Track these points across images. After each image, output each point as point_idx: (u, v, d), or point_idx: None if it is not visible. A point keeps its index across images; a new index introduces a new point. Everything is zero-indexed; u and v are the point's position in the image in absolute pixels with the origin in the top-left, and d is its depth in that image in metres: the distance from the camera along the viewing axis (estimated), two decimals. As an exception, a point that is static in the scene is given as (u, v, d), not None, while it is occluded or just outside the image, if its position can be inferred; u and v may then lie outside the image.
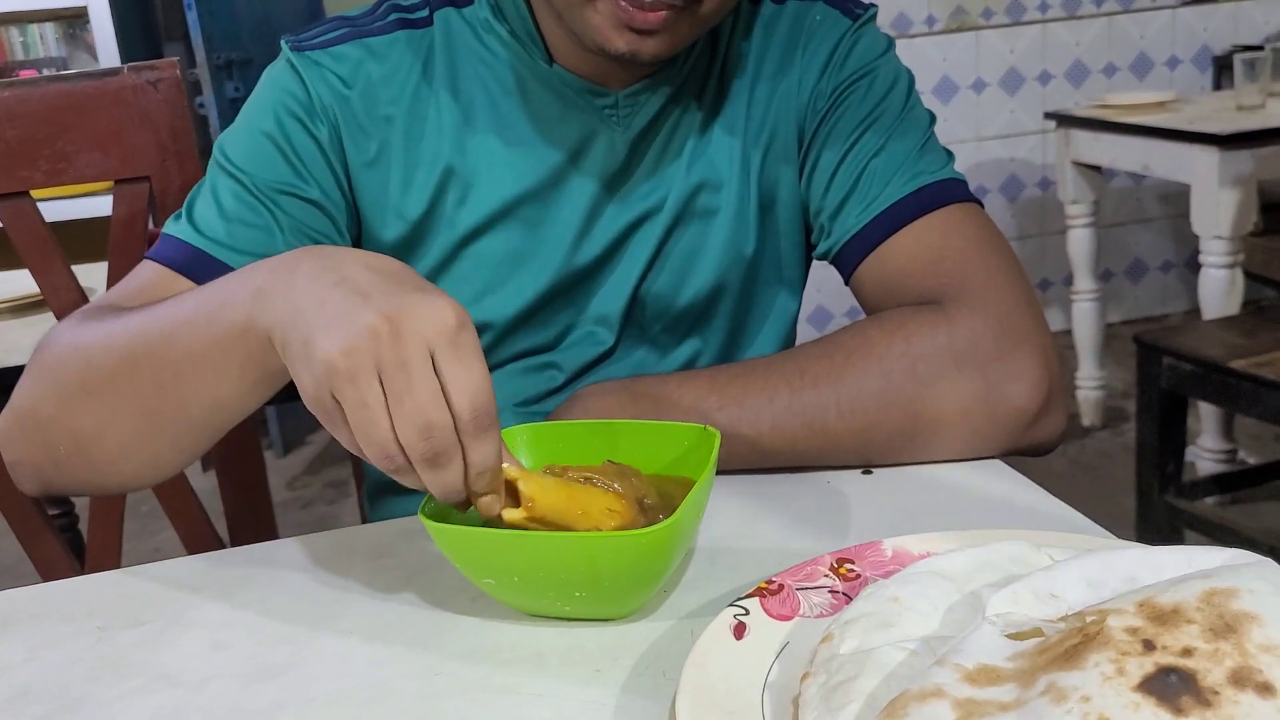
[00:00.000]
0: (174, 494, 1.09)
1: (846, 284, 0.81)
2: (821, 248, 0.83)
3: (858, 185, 0.79)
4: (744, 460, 0.70)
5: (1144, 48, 3.32)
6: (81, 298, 1.06)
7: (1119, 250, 3.45)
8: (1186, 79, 3.34)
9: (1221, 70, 3.26)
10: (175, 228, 0.78)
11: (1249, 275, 2.49)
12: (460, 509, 0.55)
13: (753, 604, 0.51)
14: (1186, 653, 0.38)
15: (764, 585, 0.52)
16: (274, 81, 0.81)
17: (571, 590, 0.54)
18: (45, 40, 3.54)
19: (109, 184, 1.05)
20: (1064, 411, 0.70)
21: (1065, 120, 2.62)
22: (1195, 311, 2.33)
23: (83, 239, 2.25)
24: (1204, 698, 0.37)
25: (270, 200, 0.77)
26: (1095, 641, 0.39)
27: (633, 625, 0.55)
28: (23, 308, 1.43)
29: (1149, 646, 0.38)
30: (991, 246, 0.75)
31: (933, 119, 0.82)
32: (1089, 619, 0.41)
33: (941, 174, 0.78)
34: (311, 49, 0.80)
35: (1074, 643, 0.40)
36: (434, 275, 0.81)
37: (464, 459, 0.52)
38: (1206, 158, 2.16)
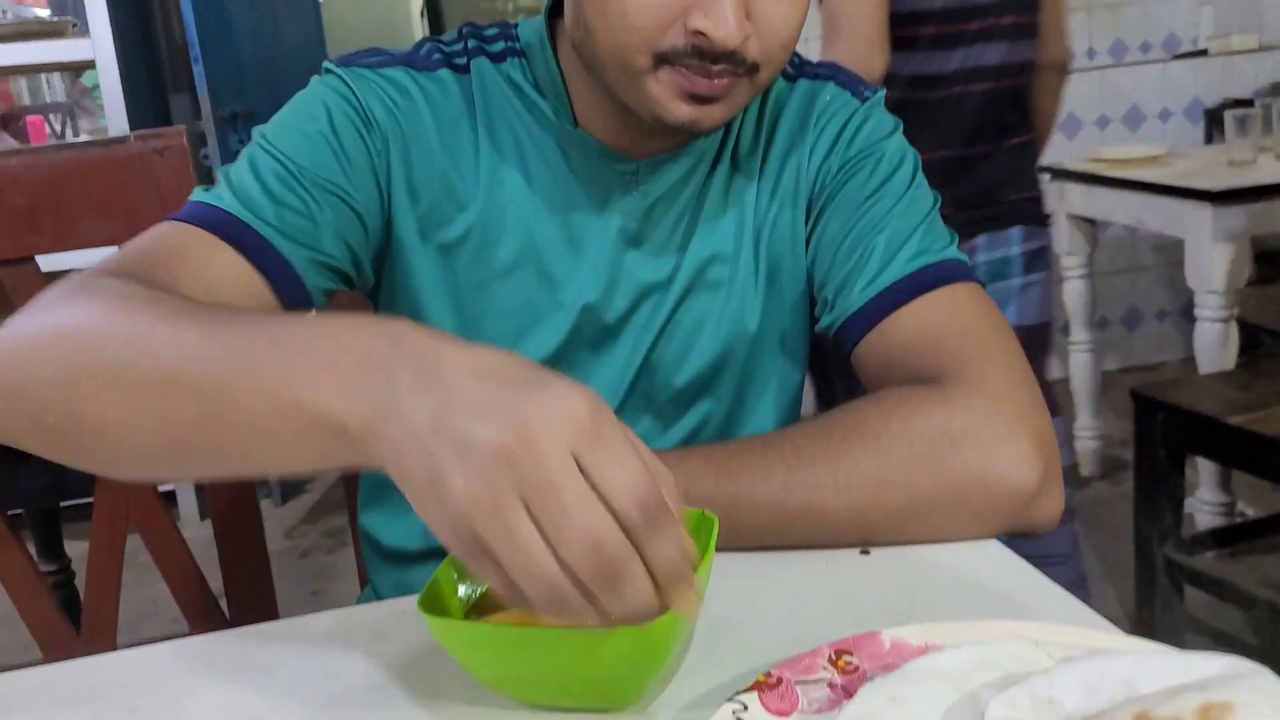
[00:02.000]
0: (170, 556, 1.09)
1: (847, 358, 0.82)
2: (824, 322, 0.84)
3: (861, 261, 0.80)
4: (741, 539, 0.70)
5: (1136, 100, 3.36)
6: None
7: (1114, 298, 3.47)
8: (1179, 131, 3.38)
9: (1213, 122, 3.29)
10: (213, 197, 0.75)
11: (1245, 324, 2.50)
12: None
13: (751, 699, 0.51)
14: None
15: (762, 679, 0.52)
16: (323, 90, 0.80)
17: (571, 683, 0.54)
18: (52, 86, 3.58)
19: (112, 248, 1.06)
20: (1060, 492, 0.70)
21: (1059, 174, 2.64)
22: (1192, 359, 2.34)
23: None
24: None
25: (317, 194, 0.75)
26: None
27: (632, 717, 0.55)
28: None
29: None
30: (990, 326, 0.76)
31: (936, 200, 0.84)
32: None
33: (944, 254, 0.79)
34: (361, 67, 0.81)
35: None
36: (451, 319, 0.82)
37: (644, 563, 0.46)
38: (1199, 213, 2.18)
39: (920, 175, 0.84)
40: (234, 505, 1.11)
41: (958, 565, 0.68)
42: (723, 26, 0.68)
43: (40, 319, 0.61)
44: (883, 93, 0.88)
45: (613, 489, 0.45)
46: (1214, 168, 2.39)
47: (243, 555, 1.12)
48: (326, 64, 0.81)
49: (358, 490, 1.17)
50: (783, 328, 0.87)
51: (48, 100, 3.59)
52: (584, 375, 0.84)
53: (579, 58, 0.78)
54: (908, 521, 0.69)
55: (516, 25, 0.85)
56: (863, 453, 0.69)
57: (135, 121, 2.78)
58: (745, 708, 0.50)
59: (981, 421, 0.69)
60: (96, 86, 3.05)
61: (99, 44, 2.67)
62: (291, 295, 0.75)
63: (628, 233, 0.82)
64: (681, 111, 0.72)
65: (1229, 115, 2.38)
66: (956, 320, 0.76)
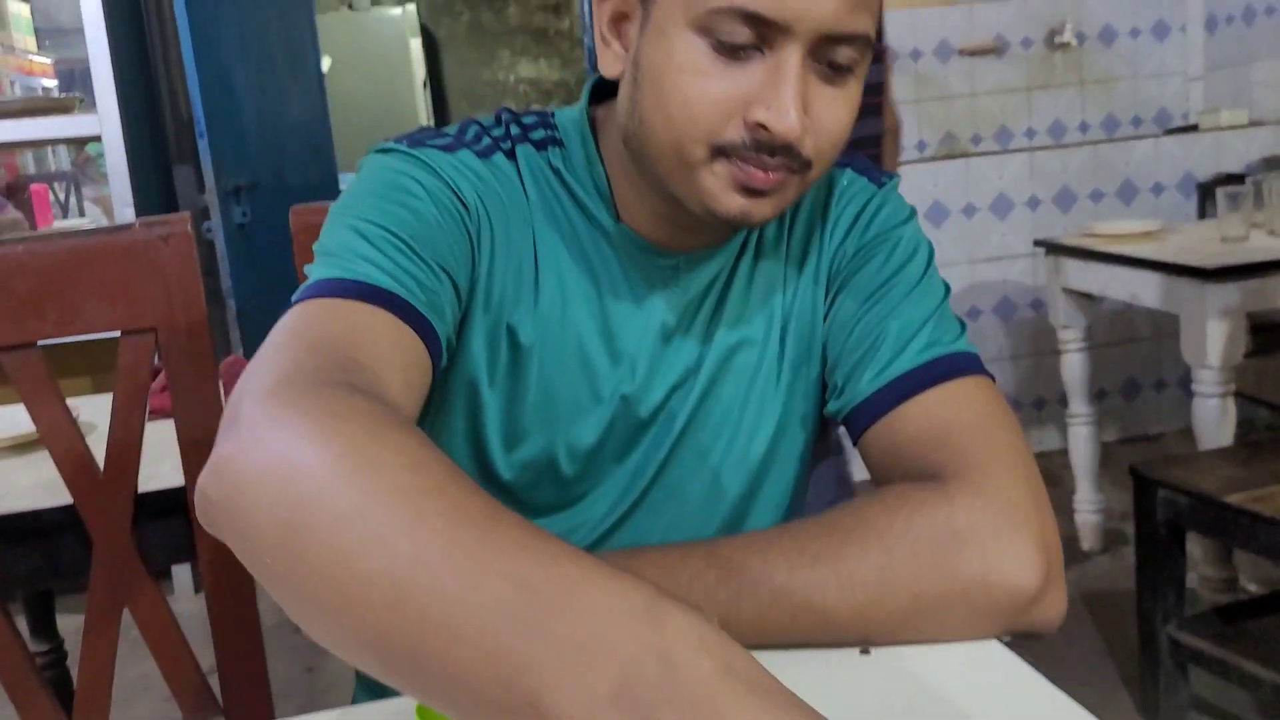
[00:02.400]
0: (157, 628, 1.08)
1: (855, 445, 0.82)
2: (832, 406, 0.84)
3: (872, 349, 0.80)
4: (743, 637, 0.68)
5: (1129, 174, 3.40)
6: (79, 438, 1.06)
7: (1112, 369, 3.48)
8: (1172, 204, 3.41)
9: (1206, 195, 3.33)
10: (343, 269, 0.68)
11: (1243, 396, 2.51)
12: None
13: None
14: None
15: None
16: (406, 167, 0.76)
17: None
18: (57, 154, 3.62)
19: (114, 333, 1.07)
20: (1063, 595, 0.70)
21: (1054, 249, 2.67)
22: (1190, 430, 2.34)
23: (86, 357, 2.26)
24: None
25: (436, 269, 0.72)
26: None
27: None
28: (20, 446, 1.43)
29: None
30: (998, 423, 0.76)
31: (947, 290, 0.85)
32: None
33: (955, 346, 0.80)
34: (432, 149, 0.78)
35: None
36: (498, 401, 0.81)
37: None
38: (1194, 290, 2.19)
39: (934, 265, 0.85)
40: (228, 580, 1.10)
41: (958, 666, 0.67)
42: (785, 119, 0.69)
43: (274, 442, 0.52)
44: (899, 179, 0.89)
45: None
46: (1207, 244, 2.41)
47: (236, 631, 1.11)
48: (391, 144, 0.79)
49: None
50: (803, 412, 0.87)
51: (52, 169, 3.63)
52: (616, 467, 0.85)
53: (628, 148, 0.78)
54: (910, 622, 0.69)
55: (554, 114, 0.85)
56: (866, 552, 0.69)
57: (139, 192, 2.80)
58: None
59: (984, 523, 0.69)
60: (101, 156, 3.08)
61: (105, 119, 2.71)
62: (436, 375, 0.71)
63: (666, 326, 0.83)
64: (734, 203, 0.73)
65: (1221, 192, 2.41)
66: (963, 415, 0.76)
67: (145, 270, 1.06)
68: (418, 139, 0.80)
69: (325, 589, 0.47)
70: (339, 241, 0.71)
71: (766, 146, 0.70)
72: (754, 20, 0.68)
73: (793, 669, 0.68)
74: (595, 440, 0.83)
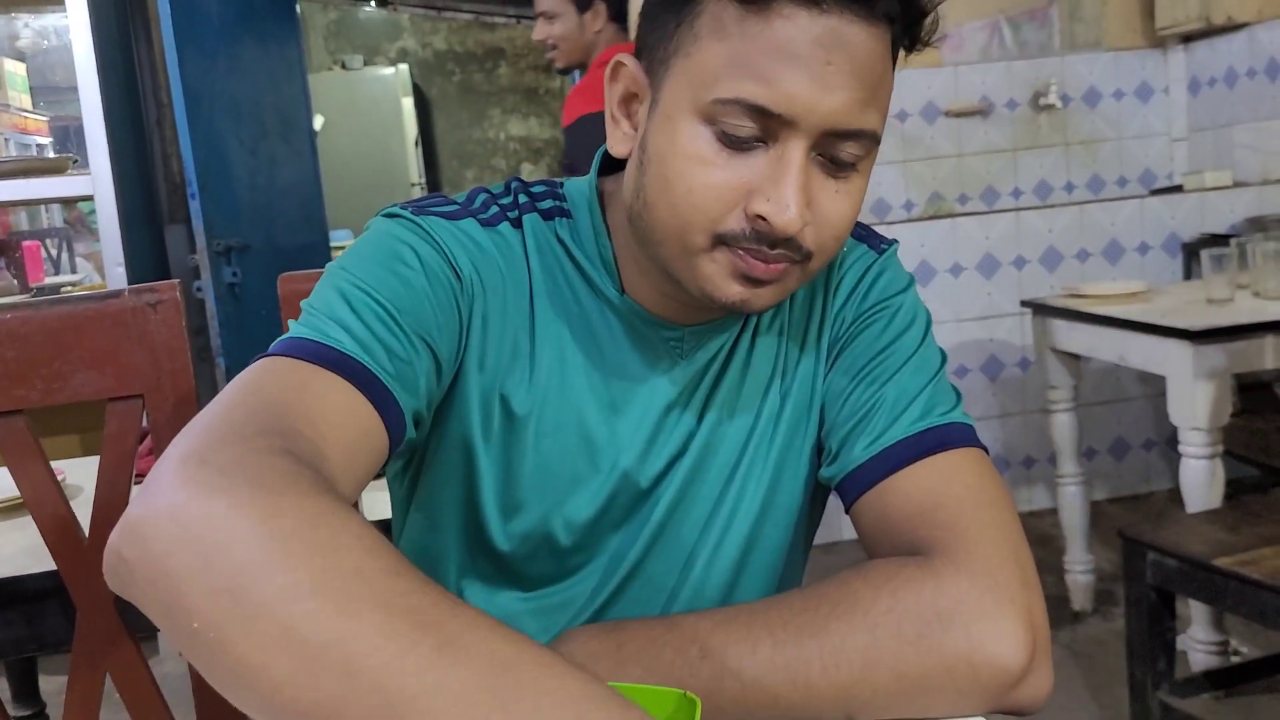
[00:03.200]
0: (136, 688, 1.07)
1: (847, 512, 0.82)
2: (825, 472, 0.84)
3: (867, 418, 0.80)
4: (727, 713, 0.69)
5: (1114, 235, 3.44)
6: (64, 503, 1.05)
7: (1101, 429, 3.49)
8: (1157, 264, 3.45)
9: (1191, 255, 3.37)
10: (316, 331, 0.68)
11: (1231, 454, 2.51)
12: None
13: None
14: None
15: None
16: (404, 234, 0.76)
17: None
18: (50, 210, 3.63)
19: (102, 401, 1.07)
20: (1049, 673, 0.69)
21: (1041, 309, 2.69)
22: (1179, 490, 2.34)
23: (74, 416, 2.25)
24: None
25: (415, 342, 0.71)
26: None
27: None
28: (4, 510, 1.42)
29: None
30: (988, 498, 0.76)
31: (944, 359, 0.85)
32: None
33: (949, 417, 0.80)
34: (435, 215, 0.78)
35: None
36: (493, 480, 0.81)
37: None
38: (1180, 352, 2.21)
39: (930, 334, 0.85)
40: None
41: (944, 745, 0.67)
42: (785, 213, 0.69)
43: (202, 507, 0.51)
44: (898, 245, 0.90)
45: None
46: (1193, 305, 2.43)
47: (219, 700, 1.10)
48: (397, 209, 0.79)
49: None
50: (801, 476, 0.87)
51: (45, 224, 3.64)
52: (614, 539, 0.84)
53: (632, 228, 0.78)
54: (894, 700, 0.68)
55: (563, 185, 0.86)
56: (850, 629, 0.68)
57: (131, 251, 2.82)
58: None
59: (970, 600, 0.68)
60: (93, 213, 3.10)
61: (98, 179, 2.72)
62: (396, 448, 0.71)
63: (669, 399, 0.83)
64: (734, 291, 0.73)
65: (1205, 254, 2.43)
66: (953, 489, 0.76)
67: (133, 338, 1.06)
68: (423, 205, 0.80)
69: (272, 660, 0.46)
70: (322, 300, 0.71)
71: (767, 238, 0.71)
72: (759, 113, 0.69)
73: (778, 748, 0.68)
74: (594, 513, 0.83)
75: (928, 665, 0.67)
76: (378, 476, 0.76)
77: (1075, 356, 2.67)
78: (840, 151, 0.71)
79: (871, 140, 0.72)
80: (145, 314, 1.07)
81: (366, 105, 6.57)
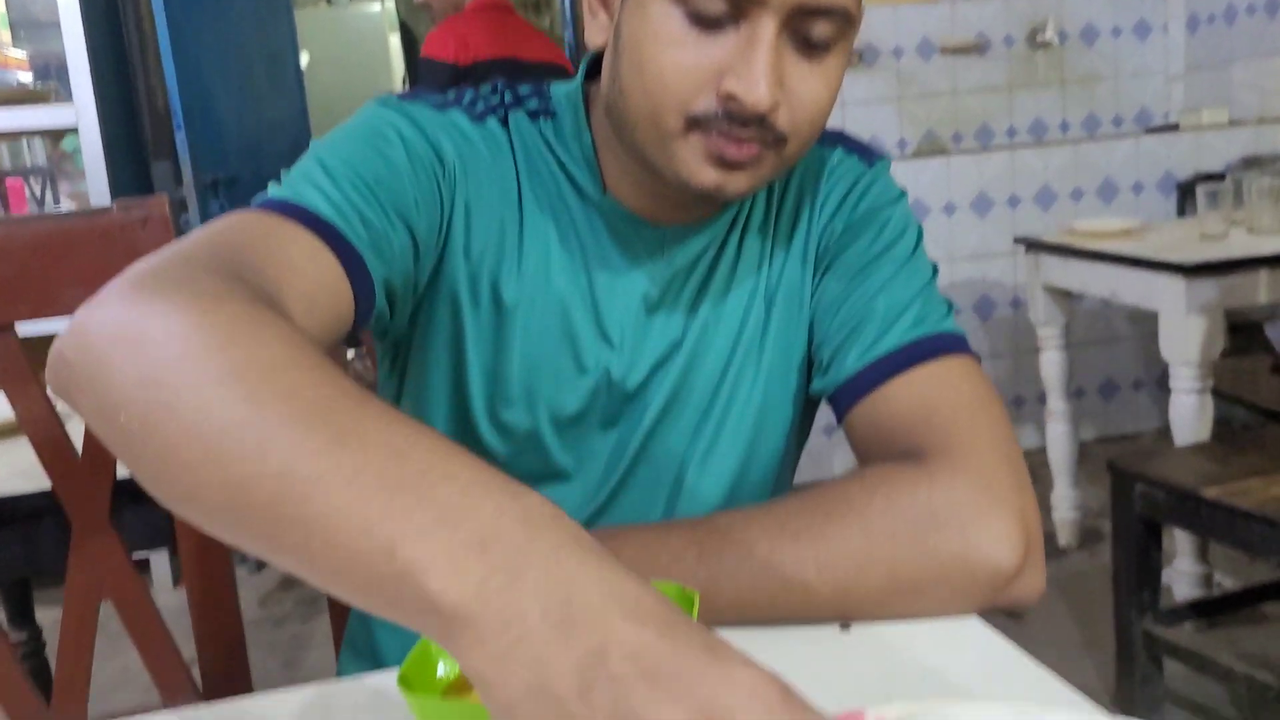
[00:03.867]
0: (144, 627, 1.07)
1: (839, 424, 0.82)
2: (817, 384, 0.84)
3: (858, 328, 0.81)
4: (723, 615, 0.70)
5: (1109, 173, 3.43)
6: (59, 427, 1.05)
7: (1090, 369, 3.50)
8: (1151, 203, 3.44)
9: (1185, 195, 3.36)
10: (293, 192, 0.69)
11: (1218, 395, 2.53)
12: None
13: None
14: None
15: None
16: (391, 117, 0.77)
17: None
18: (33, 150, 3.59)
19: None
20: (1041, 573, 0.70)
21: (1034, 246, 2.68)
22: (1167, 429, 2.35)
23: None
24: None
25: (392, 217, 0.72)
26: None
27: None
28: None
29: None
30: (981, 404, 0.76)
31: (935, 271, 0.85)
32: None
33: (941, 326, 0.80)
34: (422, 105, 0.79)
35: None
36: (472, 373, 0.81)
37: None
38: (1173, 286, 2.21)
39: (922, 245, 0.85)
40: (209, 573, 1.09)
41: (938, 642, 0.67)
42: (755, 90, 0.69)
43: (144, 308, 0.52)
44: (890, 160, 0.89)
45: None
46: (1186, 241, 2.43)
47: (217, 624, 1.10)
48: (385, 97, 0.80)
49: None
50: (790, 389, 0.87)
51: (28, 164, 3.60)
52: (601, 441, 0.84)
53: (610, 119, 0.78)
54: (890, 599, 0.69)
55: (549, 87, 0.86)
56: (846, 531, 0.69)
57: (116, 186, 2.79)
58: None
59: (964, 501, 0.69)
60: (77, 151, 3.07)
61: (82, 111, 2.69)
62: (365, 316, 0.71)
63: (650, 299, 0.83)
64: (708, 177, 0.73)
65: (1201, 189, 2.43)
66: (947, 395, 0.76)
67: (123, 254, 1.05)
68: (413, 95, 0.81)
69: (187, 443, 0.47)
70: (300, 169, 0.72)
71: (738, 118, 0.70)
72: None
73: (772, 646, 0.68)
74: (578, 410, 0.83)
75: (922, 565, 0.68)
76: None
77: (1067, 294, 2.67)
78: (812, 30, 0.71)
79: (844, 19, 0.71)
80: (134, 230, 1.06)
81: (353, 42, 6.49)
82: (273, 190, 0.71)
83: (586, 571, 0.41)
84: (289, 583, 2.96)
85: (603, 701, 0.37)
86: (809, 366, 0.87)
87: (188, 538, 1.09)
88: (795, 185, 0.87)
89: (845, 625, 0.70)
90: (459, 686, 0.58)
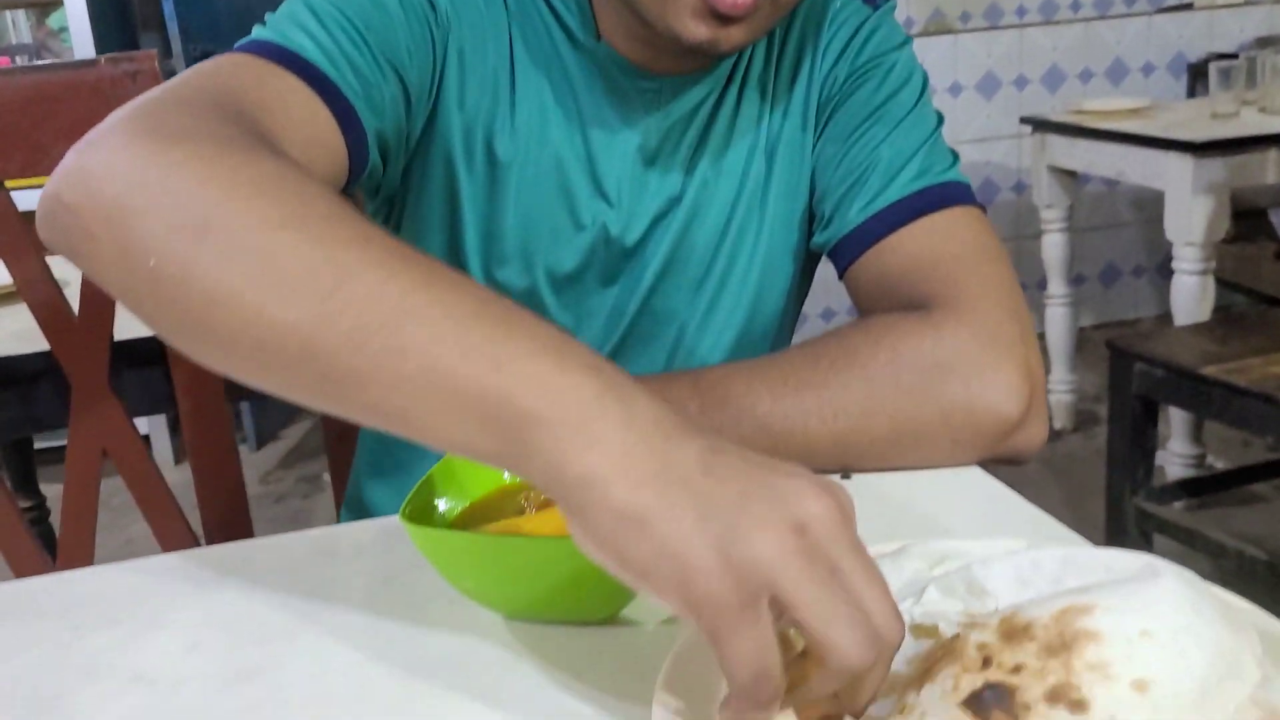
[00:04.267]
0: (146, 487, 1.08)
1: (840, 278, 0.81)
2: (820, 238, 0.83)
3: (861, 179, 0.79)
4: (724, 464, 0.70)
5: (1120, 54, 3.35)
6: (56, 290, 1.04)
7: (1092, 255, 3.48)
8: (1161, 85, 3.37)
9: (1196, 77, 3.29)
10: (283, 37, 0.66)
11: (1220, 282, 2.52)
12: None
13: (734, 609, 0.51)
14: (1016, 670, 0.40)
15: (745, 590, 0.52)
16: None
17: (553, 594, 0.54)
18: (17, 27, 3.50)
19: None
20: (1044, 421, 0.70)
21: (1041, 125, 2.64)
22: (1166, 316, 2.35)
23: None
24: (1013, 712, 0.38)
25: (383, 65, 0.69)
26: (950, 656, 0.41)
27: (614, 629, 0.55)
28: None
29: (987, 663, 0.40)
30: (986, 254, 0.75)
31: (941, 120, 0.83)
32: (959, 633, 0.43)
33: (946, 175, 0.78)
34: None
35: (938, 656, 0.42)
36: (468, 227, 0.80)
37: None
38: (1180, 165, 2.18)
39: (927, 93, 0.83)
40: (211, 448, 1.10)
41: (939, 490, 0.68)
42: None
43: (160, 155, 0.50)
44: (895, 4, 0.86)
45: (874, 607, 0.39)
46: (1196, 120, 2.39)
47: (221, 498, 1.11)
48: None
49: (329, 436, 1.17)
50: (792, 244, 0.85)
51: (13, 41, 3.51)
52: (599, 296, 0.83)
53: None
54: (892, 449, 0.69)
55: None
56: (849, 380, 0.68)
57: (106, 59, 2.72)
58: (728, 617, 0.50)
59: (969, 351, 0.68)
60: (64, 29, 2.99)
61: (69, -20, 2.61)
62: (359, 172, 0.69)
63: (646, 152, 0.81)
64: (700, 31, 0.70)
65: (1213, 67, 2.38)
66: (952, 246, 0.75)
67: (111, 106, 1.02)
68: None
69: (249, 284, 0.46)
70: (287, 10, 0.69)
71: None
72: None
73: (774, 491, 0.69)
74: (575, 267, 0.82)
75: (926, 414, 0.68)
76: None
77: (1072, 175, 2.63)
78: None
79: None
80: (124, 84, 1.03)
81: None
82: (258, 32, 0.68)
83: (678, 418, 0.43)
84: (290, 460, 2.99)
85: (726, 474, 0.40)
86: (810, 220, 0.85)
87: (188, 396, 1.09)
88: (796, 33, 0.84)
89: (846, 474, 0.70)
90: (459, 524, 0.59)
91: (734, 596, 0.38)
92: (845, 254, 0.79)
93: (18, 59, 3.26)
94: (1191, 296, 2.25)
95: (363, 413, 0.46)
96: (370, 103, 0.68)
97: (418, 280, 0.45)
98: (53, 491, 1.35)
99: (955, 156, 0.81)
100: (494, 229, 0.80)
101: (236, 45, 0.67)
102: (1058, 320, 2.74)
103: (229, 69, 0.63)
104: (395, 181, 0.81)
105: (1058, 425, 2.78)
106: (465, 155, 0.79)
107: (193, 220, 0.48)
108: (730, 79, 0.82)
